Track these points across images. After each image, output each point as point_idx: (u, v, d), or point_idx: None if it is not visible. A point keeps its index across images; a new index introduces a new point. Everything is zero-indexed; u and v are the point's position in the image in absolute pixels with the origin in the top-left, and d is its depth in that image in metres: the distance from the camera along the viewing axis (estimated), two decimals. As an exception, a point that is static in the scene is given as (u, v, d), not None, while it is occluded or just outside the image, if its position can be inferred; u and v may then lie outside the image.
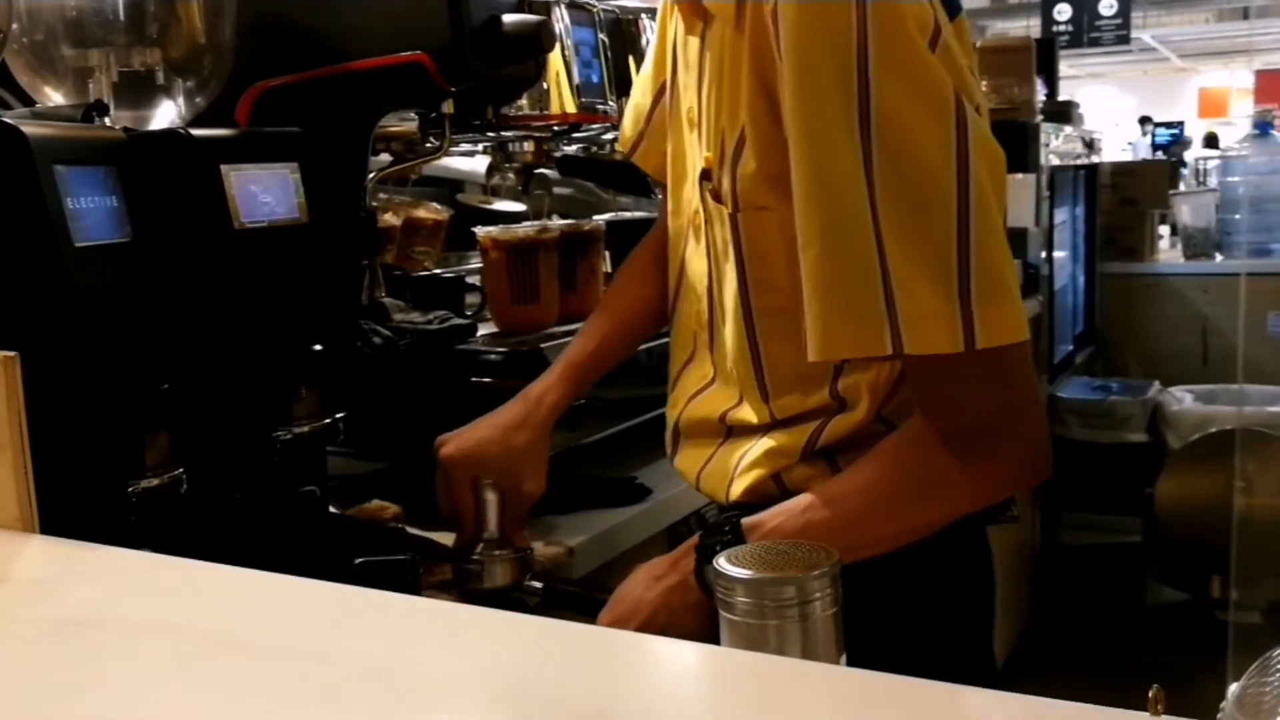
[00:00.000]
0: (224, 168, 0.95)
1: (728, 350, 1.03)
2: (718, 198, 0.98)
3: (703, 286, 1.05)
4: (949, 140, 0.83)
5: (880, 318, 0.84)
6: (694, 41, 1.02)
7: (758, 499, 0.98)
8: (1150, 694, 0.56)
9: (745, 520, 0.95)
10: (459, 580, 1.14)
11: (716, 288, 1.03)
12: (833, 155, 0.83)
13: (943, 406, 0.90)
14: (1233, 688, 0.65)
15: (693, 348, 1.11)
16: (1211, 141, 7.62)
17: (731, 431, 1.04)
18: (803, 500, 0.94)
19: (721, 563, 0.64)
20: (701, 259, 1.05)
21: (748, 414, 1.01)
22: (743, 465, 1.01)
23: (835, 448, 0.97)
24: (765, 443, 1.00)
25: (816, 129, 0.84)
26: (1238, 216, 4.00)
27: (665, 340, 1.57)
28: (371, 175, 1.31)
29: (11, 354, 0.77)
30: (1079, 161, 3.99)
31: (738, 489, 1.01)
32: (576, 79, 1.44)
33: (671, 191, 1.12)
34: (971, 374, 0.87)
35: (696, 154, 1.02)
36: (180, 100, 1.08)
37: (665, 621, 0.97)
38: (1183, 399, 3.38)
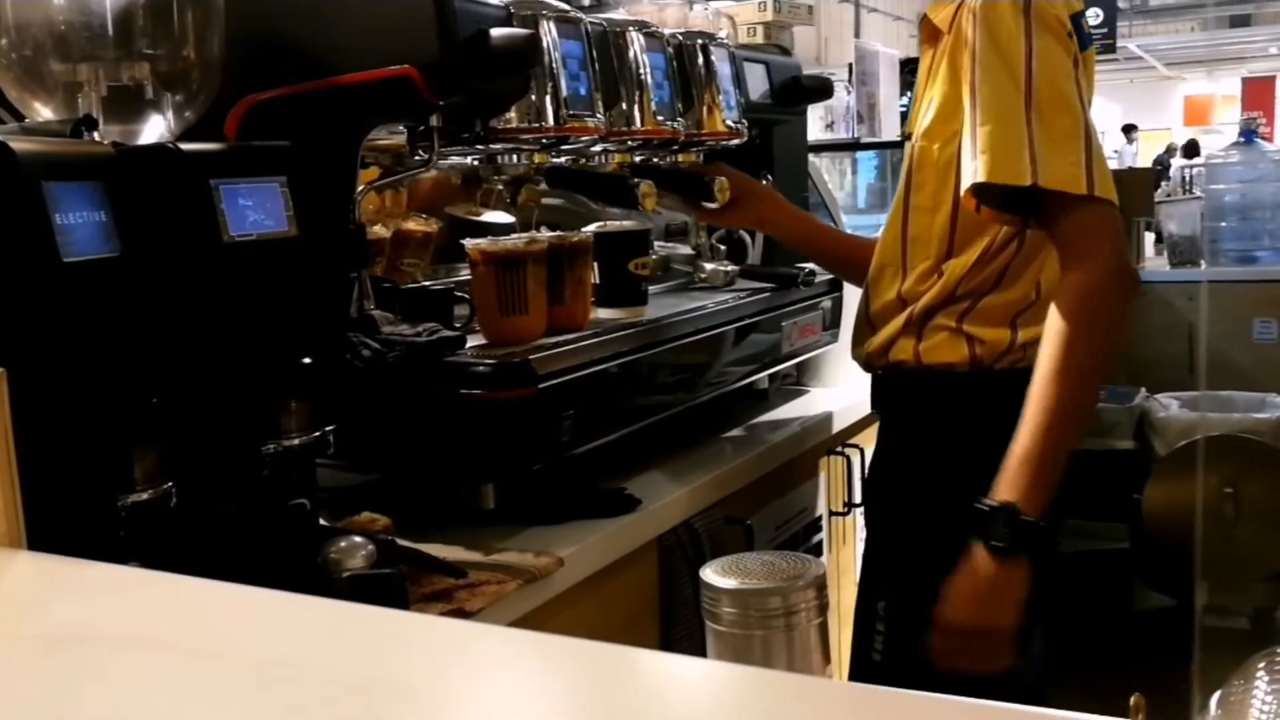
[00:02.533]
0: (213, 182, 0.95)
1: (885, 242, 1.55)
2: (908, 139, 1.55)
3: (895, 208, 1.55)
4: (1075, 90, 1.33)
5: (1026, 166, 1.30)
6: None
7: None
8: (1131, 702, 0.57)
9: (1000, 498, 1.29)
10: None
11: (896, 203, 1.54)
12: (1001, 89, 1.34)
13: (1076, 250, 1.33)
14: (1217, 693, 0.66)
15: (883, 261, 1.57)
16: (1191, 150, 7.66)
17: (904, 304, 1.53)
18: (1023, 430, 1.30)
19: (708, 573, 0.64)
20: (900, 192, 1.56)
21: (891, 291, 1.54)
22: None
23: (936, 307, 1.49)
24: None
25: (994, 76, 1.34)
26: (1223, 224, 4.03)
27: (660, 349, 1.58)
28: (360, 188, 1.31)
29: None
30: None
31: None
32: (564, 91, 1.45)
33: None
34: (1092, 217, 1.32)
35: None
36: (169, 115, 1.08)
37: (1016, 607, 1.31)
38: (1169, 406, 3.40)
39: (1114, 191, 1.32)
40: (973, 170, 1.34)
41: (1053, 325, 1.30)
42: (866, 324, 1.60)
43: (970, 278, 1.47)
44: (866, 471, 1.69)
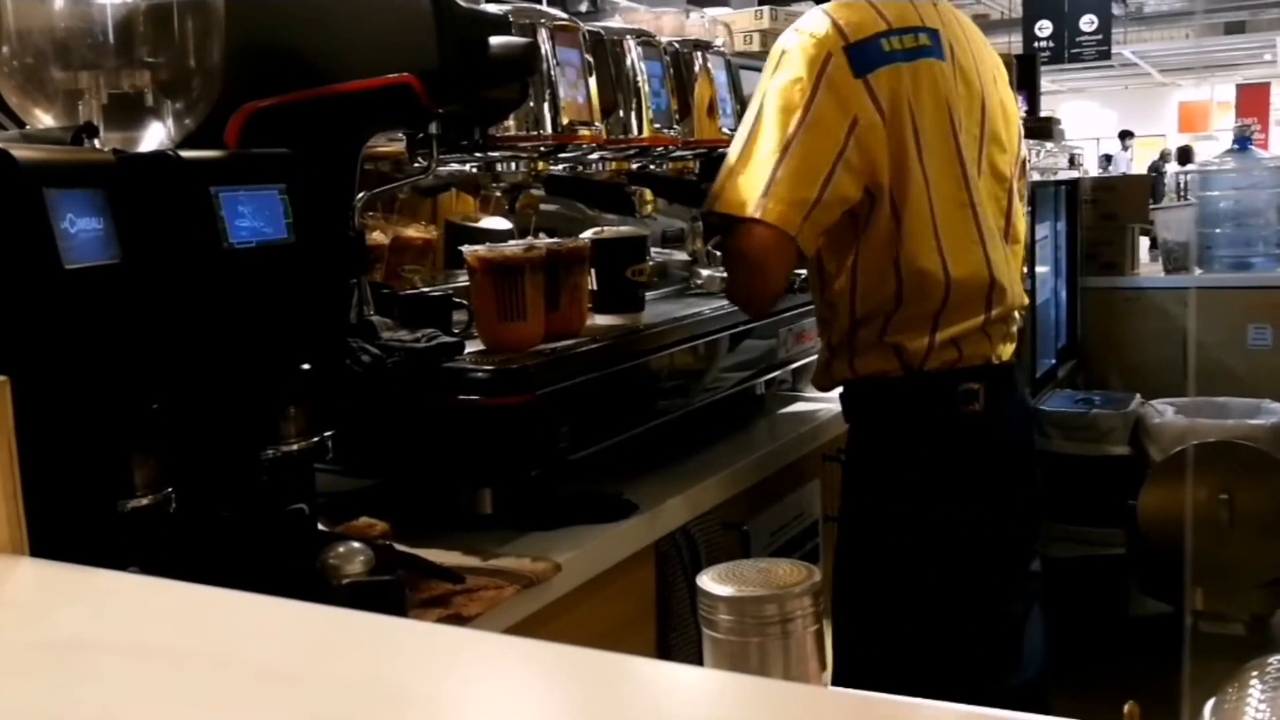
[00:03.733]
0: (213, 189, 0.96)
1: None
2: None
3: None
4: (784, 122, 1.49)
5: (714, 195, 1.55)
6: None
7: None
8: (1125, 709, 0.57)
9: None
10: None
11: None
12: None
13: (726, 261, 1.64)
14: (1211, 700, 0.66)
15: None
16: (1185, 156, 7.68)
17: None
18: None
19: (704, 580, 0.65)
20: None
21: None
22: None
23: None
24: None
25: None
26: (1218, 230, 4.04)
27: (656, 355, 1.58)
28: (360, 195, 1.31)
29: (1, 377, 0.77)
30: (1060, 176, 4.03)
31: None
32: (562, 99, 1.45)
33: None
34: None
35: None
36: (169, 122, 1.09)
37: None
38: (1164, 412, 3.41)
39: (790, 220, 1.48)
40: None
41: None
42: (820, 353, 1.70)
43: (858, 296, 1.56)
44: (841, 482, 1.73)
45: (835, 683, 1.58)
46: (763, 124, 1.49)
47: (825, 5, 1.55)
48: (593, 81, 1.54)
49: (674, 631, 1.50)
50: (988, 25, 9.60)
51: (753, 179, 1.48)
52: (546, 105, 1.43)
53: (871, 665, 1.54)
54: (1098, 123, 13.28)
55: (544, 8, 1.49)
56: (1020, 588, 1.61)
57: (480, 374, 1.34)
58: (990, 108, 1.62)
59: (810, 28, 1.51)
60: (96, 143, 0.99)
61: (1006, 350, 1.62)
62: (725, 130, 1.84)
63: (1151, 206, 4.22)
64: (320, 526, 1.12)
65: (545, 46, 1.43)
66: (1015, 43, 8.27)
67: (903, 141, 1.51)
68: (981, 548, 1.55)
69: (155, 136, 1.07)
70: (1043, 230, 3.70)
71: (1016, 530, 1.61)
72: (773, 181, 1.46)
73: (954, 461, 1.55)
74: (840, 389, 1.65)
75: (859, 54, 1.49)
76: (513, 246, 1.49)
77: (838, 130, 1.47)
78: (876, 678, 1.52)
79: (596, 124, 1.53)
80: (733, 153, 1.53)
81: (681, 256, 2.07)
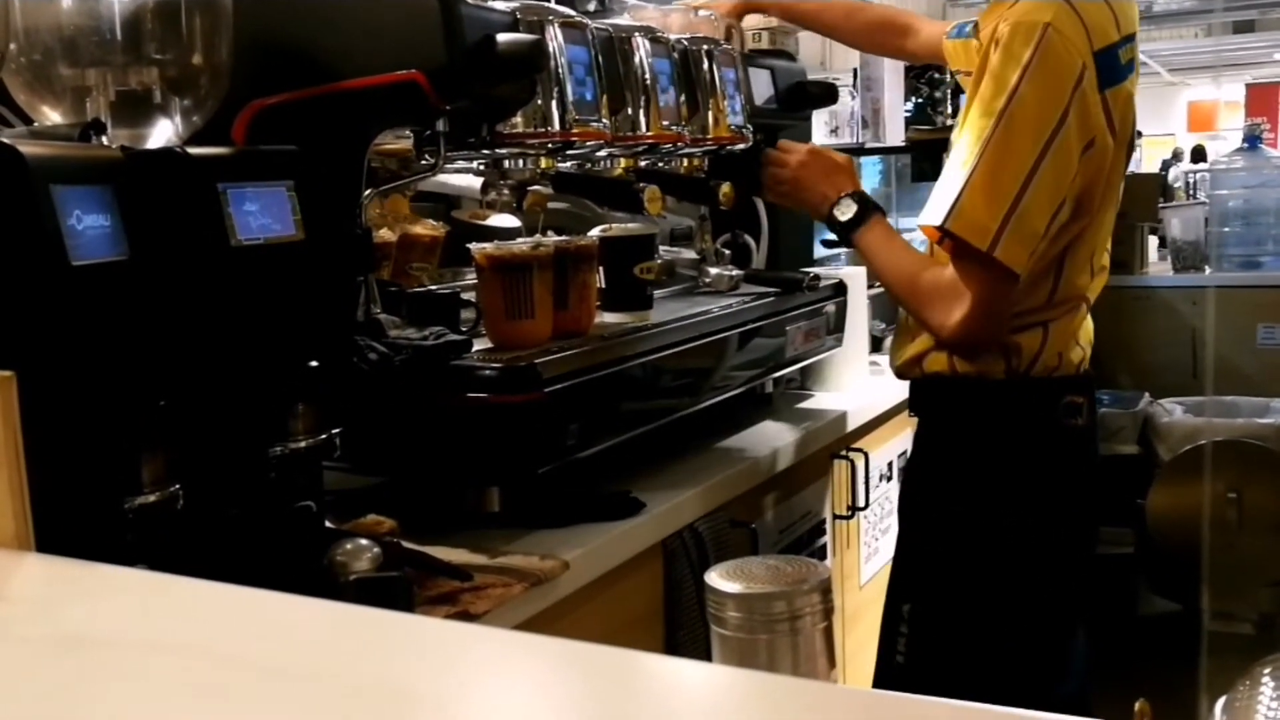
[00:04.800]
0: (221, 186, 0.96)
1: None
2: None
3: None
4: (1042, 143, 1.39)
5: (946, 208, 1.43)
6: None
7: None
8: (1136, 707, 0.57)
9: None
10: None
11: None
12: (975, 127, 1.42)
13: (952, 294, 1.47)
14: (1222, 699, 0.66)
15: None
16: (1198, 155, 7.66)
17: None
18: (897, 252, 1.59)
19: (713, 577, 0.65)
20: None
21: None
22: None
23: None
24: None
25: (980, 113, 1.42)
26: (1227, 229, 4.02)
27: (665, 353, 1.58)
28: (367, 192, 1.31)
29: (8, 373, 0.77)
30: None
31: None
32: (570, 97, 1.45)
33: None
34: (977, 274, 1.43)
35: None
36: (177, 119, 1.09)
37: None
38: (1173, 411, 3.40)
39: (1020, 260, 1.40)
40: (926, 209, 1.48)
41: (928, 290, 1.49)
42: (905, 333, 1.62)
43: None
44: (902, 474, 1.72)
45: (879, 683, 1.57)
46: (1014, 133, 1.38)
47: None
48: (601, 79, 1.53)
49: (682, 630, 1.49)
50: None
51: (996, 202, 1.38)
52: (554, 102, 1.43)
53: (928, 666, 1.53)
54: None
55: (551, 5, 1.49)
56: (1078, 595, 1.60)
57: (488, 372, 1.34)
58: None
59: (1064, 25, 1.38)
60: (104, 140, 0.99)
61: (1089, 352, 1.60)
62: (733, 129, 1.84)
63: (1161, 205, 4.20)
64: (328, 524, 1.12)
65: (553, 44, 1.42)
66: (1024, 41, 8.22)
67: (1117, 163, 1.48)
68: (1061, 556, 1.54)
69: (163, 133, 1.08)
70: (1051, 229, 3.69)
71: (1089, 539, 1.60)
72: (1014, 212, 1.37)
73: (1052, 473, 1.52)
74: (916, 381, 1.61)
75: (1104, 64, 1.42)
76: (520, 244, 1.49)
77: (1075, 154, 1.41)
78: (932, 680, 1.50)
79: (604, 121, 1.52)
80: (970, 153, 1.41)
81: (690, 255, 2.07)
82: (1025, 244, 1.40)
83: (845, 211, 1.59)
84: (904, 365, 1.62)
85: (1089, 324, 1.61)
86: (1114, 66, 1.44)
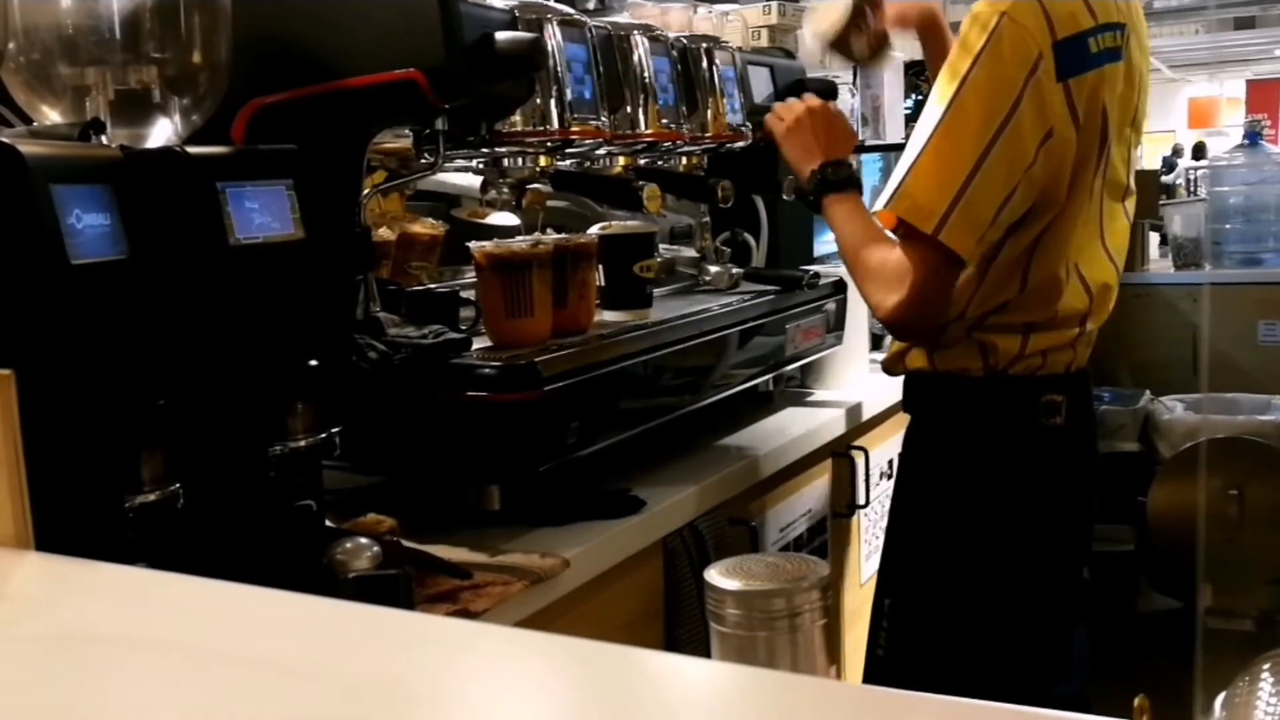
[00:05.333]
0: (220, 185, 0.96)
1: None
2: None
3: None
4: (992, 130, 1.38)
5: (891, 191, 1.43)
6: None
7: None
8: (1135, 703, 0.57)
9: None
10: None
11: None
12: (928, 113, 1.43)
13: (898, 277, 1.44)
14: (1221, 695, 0.66)
15: None
16: (1199, 151, 7.65)
17: None
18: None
19: (712, 575, 0.65)
20: None
21: None
22: None
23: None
24: None
25: (936, 98, 1.43)
26: (1228, 226, 4.02)
27: (664, 351, 1.58)
28: (366, 191, 1.31)
29: (7, 371, 0.78)
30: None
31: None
32: (569, 95, 1.45)
33: None
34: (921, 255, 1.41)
35: None
36: (176, 118, 1.09)
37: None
38: (1174, 408, 3.40)
39: (966, 246, 1.40)
40: (880, 196, 1.47)
41: (874, 268, 1.47)
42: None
43: (977, 294, 1.49)
44: (896, 471, 1.72)
45: (866, 678, 1.58)
46: (963, 120, 1.38)
47: None
48: (600, 77, 1.53)
49: (682, 627, 1.50)
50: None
51: (943, 186, 1.38)
52: (553, 101, 1.43)
53: (919, 666, 1.53)
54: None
55: (550, 3, 1.49)
56: (1074, 595, 1.60)
57: (487, 370, 1.34)
58: (1140, 107, 1.56)
59: (1020, 14, 1.38)
60: (104, 139, 0.99)
61: (1086, 356, 1.57)
62: (733, 127, 1.84)
63: (1161, 202, 4.20)
64: (328, 523, 1.12)
65: (552, 42, 1.42)
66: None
67: (1087, 155, 1.45)
68: (1042, 556, 1.53)
69: (162, 132, 1.08)
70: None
71: (1077, 539, 1.59)
72: (961, 197, 1.37)
73: (1028, 472, 1.51)
74: (905, 378, 1.61)
75: (1066, 53, 1.39)
76: (520, 243, 1.49)
77: (1031, 144, 1.39)
78: (909, 673, 1.51)
79: (603, 119, 1.52)
80: (921, 138, 1.41)
81: (690, 253, 2.07)
82: (973, 230, 1.39)
83: (825, 174, 1.58)
84: (889, 361, 1.63)
85: (1088, 334, 1.57)
86: (1081, 55, 1.41)
